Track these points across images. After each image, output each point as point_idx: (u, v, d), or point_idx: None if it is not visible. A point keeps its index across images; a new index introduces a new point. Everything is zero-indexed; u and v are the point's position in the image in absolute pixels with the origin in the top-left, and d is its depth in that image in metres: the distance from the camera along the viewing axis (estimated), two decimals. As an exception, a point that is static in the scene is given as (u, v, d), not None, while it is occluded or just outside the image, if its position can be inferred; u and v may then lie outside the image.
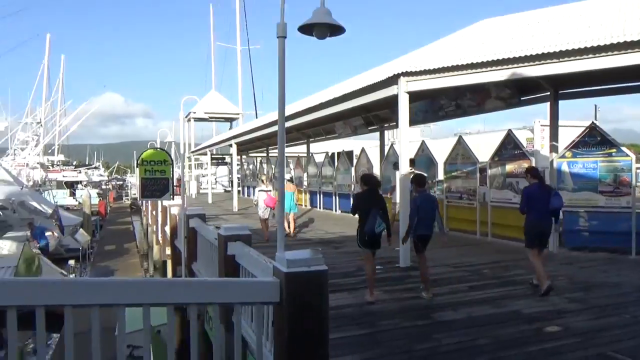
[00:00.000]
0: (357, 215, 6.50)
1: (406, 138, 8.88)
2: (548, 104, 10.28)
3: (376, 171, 16.55)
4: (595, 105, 44.52)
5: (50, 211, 25.36)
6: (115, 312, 2.88)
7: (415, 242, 6.78)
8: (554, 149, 9.90)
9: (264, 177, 13.92)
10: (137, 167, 8.20)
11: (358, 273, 8.02)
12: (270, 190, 12.42)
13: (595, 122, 9.35)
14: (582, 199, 9.56)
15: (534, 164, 10.21)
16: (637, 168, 10.26)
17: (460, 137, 12.60)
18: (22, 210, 25.23)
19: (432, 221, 6.72)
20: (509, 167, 10.92)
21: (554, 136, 9.98)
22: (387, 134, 20.56)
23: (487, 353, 4.51)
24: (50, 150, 58.93)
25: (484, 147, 13.84)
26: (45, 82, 56.86)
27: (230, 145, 25.52)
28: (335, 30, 4.91)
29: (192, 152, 36.23)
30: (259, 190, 12.66)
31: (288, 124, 15.86)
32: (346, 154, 20.71)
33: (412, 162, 11.30)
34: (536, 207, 6.84)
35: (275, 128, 17.29)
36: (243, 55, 47.18)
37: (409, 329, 5.28)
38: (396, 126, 16.38)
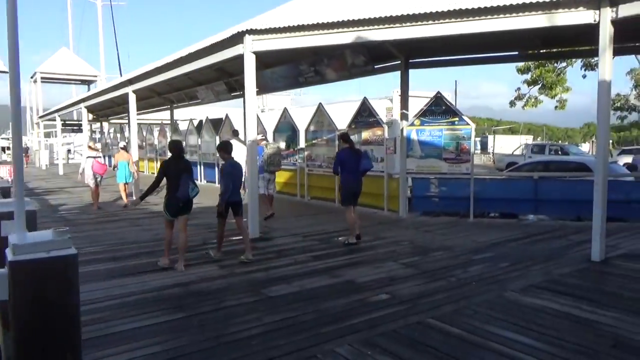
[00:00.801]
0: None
1: (253, 102, 8.27)
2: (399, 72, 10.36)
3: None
4: (456, 81, 48.08)
5: None
6: None
7: (226, 207, 6.66)
8: (404, 117, 10.05)
9: (91, 143, 13.37)
10: None
11: (199, 248, 7.37)
12: (99, 157, 12.06)
13: (440, 92, 9.63)
14: (428, 165, 9.88)
15: (386, 132, 10.33)
16: (480, 138, 10.93)
17: (320, 104, 12.36)
18: None
19: (240, 188, 6.91)
20: (365, 135, 10.94)
21: (404, 105, 10.13)
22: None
23: (308, 330, 4.18)
24: None
25: (346, 116, 13.79)
26: None
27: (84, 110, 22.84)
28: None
29: (41, 117, 32.00)
30: (87, 157, 12.13)
31: (143, 84, 14.42)
32: (212, 122, 19.59)
33: (236, 133, 12.60)
34: (348, 168, 7.53)
35: (126, 90, 15.64)
36: (106, 12, 42.53)
37: (232, 308, 4.78)
38: (260, 93, 15.81)
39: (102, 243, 8.01)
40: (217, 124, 19.24)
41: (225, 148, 6.79)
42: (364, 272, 6.03)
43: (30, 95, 38.13)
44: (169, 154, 6.66)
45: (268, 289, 5.34)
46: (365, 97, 10.87)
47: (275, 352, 3.75)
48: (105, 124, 34.66)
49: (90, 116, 34.81)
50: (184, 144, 19.55)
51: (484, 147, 42.74)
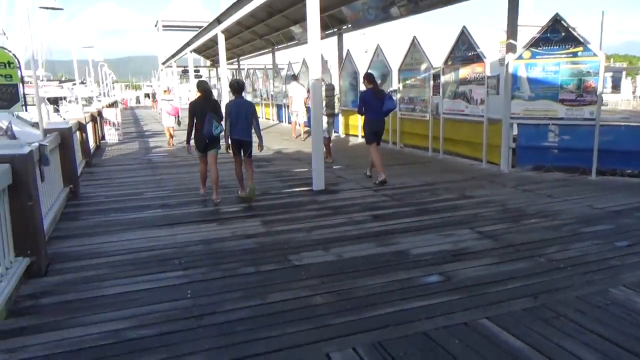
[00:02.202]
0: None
1: (316, 35, 7.08)
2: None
3: (335, 83, 14.69)
4: (603, 11, 40.73)
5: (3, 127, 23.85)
6: None
7: (236, 146, 6.77)
8: (510, 48, 8.11)
9: (165, 88, 14.64)
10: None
11: (256, 198, 6.72)
12: (172, 100, 12.79)
13: (559, 14, 7.46)
14: (539, 108, 7.94)
15: (488, 68, 8.52)
16: (613, 74, 8.51)
17: (414, 38, 10.67)
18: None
19: (247, 125, 6.63)
20: (463, 72, 9.19)
21: (512, 34, 8.13)
22: (349, 39, 18.09)
23: (313, 319, 3.21)
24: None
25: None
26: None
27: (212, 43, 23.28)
28: None
29: (162, 63, 33.87)
30: (162, 100, 12.99)
31: (230, 20, 13.75)
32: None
33: (295, 77, 13.60)
34: (371, 109, 7.63)
35: (215, 31, 15.25)
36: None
37: (239, 278, 3.97)
38: (353, 28, 14.41)
39: (165, 188, 7.75)
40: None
41: (231, 86, 6.81)
42: (424, 240, 4.83)
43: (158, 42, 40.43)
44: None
45: (298, 255, 4.44)
46: (464, 27, 9.00)
47: (245, 348, 2.86)
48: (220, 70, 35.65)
49: (208, 62, 36.17)
50: (285, 87, 19.14)
51: (616, 86, 34.47)
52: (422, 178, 8.04)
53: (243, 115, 6.54)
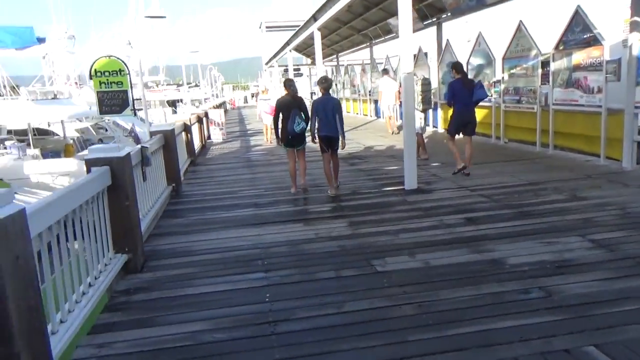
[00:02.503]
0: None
1: (408, 25, 6.71)
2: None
3: (434, 75, 14.08)
4: None
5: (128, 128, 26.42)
6: None
7: (325, 143, 6.87)
8: (635, 26, 7.05)
9: (263, 88, 16.42)
10: (90, 79, 7.22)
11: (344, 198, 6.63)
12: (269, 99, 13.38)
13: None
14: (672, 96, 6.84)
15: (606, 52, 7.55)
16: None
17: (520, 22, 9.78)
18: (116, 128, 26.58)
19: (334, 122, 6.71)
20: (577, 58, 8.24)
21: (636, 9, 7.07)
22: (450, 29, 17.14)
23: (380, 335, 2.99)
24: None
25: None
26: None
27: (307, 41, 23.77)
28: None
29: (266, 63, 35.15)
30: (260, 99, 14.48)
31: (326, 16, 13.74)
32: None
33: (386, 71, 13.57)
34: (461, 100, 7.44)
35: (311, 29, 15.34)
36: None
37: (319, 283, 3.85)
38: (453, 16, 13.67)
39: (259, 186, 7.94)
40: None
41: (320, 83, 6.94)
42: (524, 248, 4.34)
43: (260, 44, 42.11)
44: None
45: (382, 260, 4.23)
46: (578, 6, 8.02)
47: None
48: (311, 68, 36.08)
49: (309, 60, 36.85)
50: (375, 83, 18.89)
51: None
52: (526, 176, 7.35)
53: (330, 112, 6.64)
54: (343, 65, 28.41)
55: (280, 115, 6.99)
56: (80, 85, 29.92)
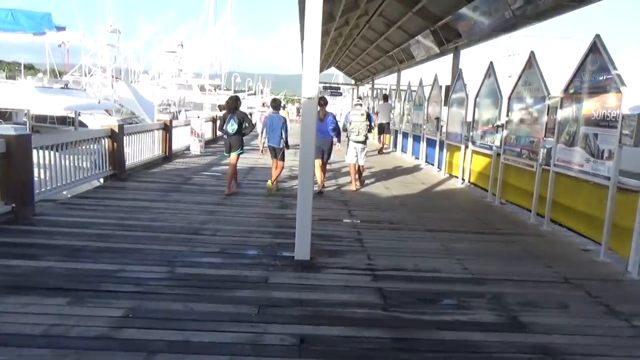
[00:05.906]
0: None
1: (314, 61, 4.74)
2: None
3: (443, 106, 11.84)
4: None
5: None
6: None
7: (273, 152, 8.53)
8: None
9: (263, 102, 16.83)
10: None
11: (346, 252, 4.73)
12: (264, 112, 14.36)
13: None
14: None
15: (624, 101, 5.28)
16: None
17: (531, 54, 7.50)
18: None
19: (279, 135, 8.35)
20: (588, 107, 5.94)
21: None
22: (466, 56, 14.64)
23: None
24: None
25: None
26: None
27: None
28: None
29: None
30: (258, 111, 15.64)
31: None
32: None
33: (386, 97, 14.39)
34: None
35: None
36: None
37: None
38: (470, 44, 11.49)
39: (141, 229, 6.19)
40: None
41: (271, 102, 9.08)
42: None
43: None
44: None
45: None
46: (597, 35, 5.72)
47: None
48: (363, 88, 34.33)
49: (353, 80, 35.24)
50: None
51: None
52: (480, 264, 5.15)
53: (277, 127, 8.28)
54: (378, 88, 26.56)
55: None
56: (116, 79, 29.65)
